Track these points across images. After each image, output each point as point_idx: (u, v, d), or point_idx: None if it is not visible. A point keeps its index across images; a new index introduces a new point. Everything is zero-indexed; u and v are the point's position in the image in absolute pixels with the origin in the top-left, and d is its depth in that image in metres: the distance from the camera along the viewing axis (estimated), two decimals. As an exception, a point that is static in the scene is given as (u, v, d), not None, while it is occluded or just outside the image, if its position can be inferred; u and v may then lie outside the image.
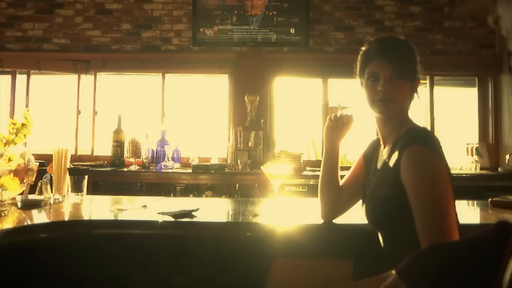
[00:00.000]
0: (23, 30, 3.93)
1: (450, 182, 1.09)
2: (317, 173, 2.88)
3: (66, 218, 1.62)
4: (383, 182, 1.21)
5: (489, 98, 3.92)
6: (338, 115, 1.44)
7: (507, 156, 3.54)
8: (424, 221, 1.04)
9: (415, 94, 1.27)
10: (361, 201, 1.35)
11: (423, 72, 1.27)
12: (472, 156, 3.69)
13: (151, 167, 3.53)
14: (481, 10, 3.10)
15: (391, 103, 1.22)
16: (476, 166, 3.62)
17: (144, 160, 3.55)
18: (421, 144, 1.11)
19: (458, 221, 1.11)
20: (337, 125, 1.43)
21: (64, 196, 1.91)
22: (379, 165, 1.27)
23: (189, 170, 3.46)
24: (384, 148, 1.29)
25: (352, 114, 1.43)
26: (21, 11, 3.94)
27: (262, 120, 3.75)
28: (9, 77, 3.89)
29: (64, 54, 3.90)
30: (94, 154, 3.87)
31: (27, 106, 3.78)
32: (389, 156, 1.20)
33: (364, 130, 1.39)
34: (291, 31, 3.79)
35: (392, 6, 3.93)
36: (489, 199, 1.86)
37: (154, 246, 1.47)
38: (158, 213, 1.54)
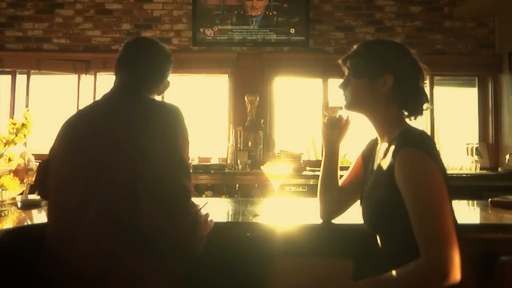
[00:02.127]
0: (23, 30, 3.93)
1: (445, 184, 1.08)
2: (317, 173, 2.89)
3: (66, 218, 1.61)
4: (378, 184, 1.20)
5: (489, 98, 3.92)
6: (336, 116, 1.43)
7: (507, 156, 3.54)
8: (420, 224, 1.04)
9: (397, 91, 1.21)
10: (359, 201, 1.35)
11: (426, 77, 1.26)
12: (472, 156, 3.69)
13: (151, 167, 3.52)
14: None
15: (350, 102, 1.27)
16: (476, 166, 3.62)
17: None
18: (414, 147, 1.11)
19: (456, 222, 1.11)
20: (333, 130, 1.43)
21: (64, 196, 1.91)
22: (375, 167, 1.27)
23: (189, 170, 3.46)
24: (381, 146, 1.28)
25: (348, 115, 1.43)
26: (21, 11, 3.94)
27: (262, 120, 3.76)
28: (9, 77, 3.89)
29: (64, 54, 3.90)
30: (94, 154, 3.87)
31: (27, 106, 3.78)
32: (384, 158, 1.20)
33: (364, 130, 1.38)
34: (291, 31, 3.80)
35: (392, 6, 3.93)
36: (489, 199, 1.86)
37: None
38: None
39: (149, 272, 1.13)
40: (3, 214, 1.57)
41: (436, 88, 3.99)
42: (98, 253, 1.11)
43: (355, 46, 1.29)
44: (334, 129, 1.43)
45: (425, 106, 1.24)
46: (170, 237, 1.12)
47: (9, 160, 1.78)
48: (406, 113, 1.24)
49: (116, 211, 1.11)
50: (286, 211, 1.75)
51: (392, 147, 1.15)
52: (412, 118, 1.25)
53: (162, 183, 1.11)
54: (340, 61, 1.30)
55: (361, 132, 1.47)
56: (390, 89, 1.20)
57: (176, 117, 1.24)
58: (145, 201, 1.09)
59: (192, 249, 1.18)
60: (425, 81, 1.26)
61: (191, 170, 1.22)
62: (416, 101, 1.23)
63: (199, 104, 4.06)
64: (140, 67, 1.35)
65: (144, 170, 1.11)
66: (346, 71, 1.28)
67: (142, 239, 1.11)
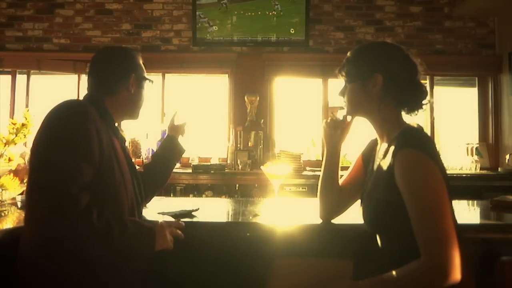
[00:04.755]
0: (23, 30, 3.93)
1: (444, 183, 1.08)
2: (317, 173, 2.88)
3: (66, 218, 1.61)
4: (378, 185, 1.20)
5: (489, 98, 3.92)
6: (339, 117, 1.44)
7: (507, 156, 3.54)
8: (420, 224, 1.04)
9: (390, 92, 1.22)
10: (359, 201, 1.35)
11: (422, 72, 1.26)
12: (472, 156, 3.69)
13: (151, 167, 3.52)
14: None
15: (349, 107, 1.32)
16: (476, 166, 3.62)
17: (144, 160, 3.55)
18: (413, 147, 1.11)
19: (456, 221, 1.11)
20: (335, 130, 1.43)
21: (64, 196, 1.90)
22: (375, 167, 1.27)
23: (189, 170, 3.46)
24: (380, 147, 1.29)
25: (351, 116, 1.43)
26: (21, 11, 3.94)
27: (262, 120, 3.75)
28: (9, 77, 3.89)
29: (64, 54, 3.90)
30: (94, 154, 3.87)
31: (27, 106, 3.78)
32: (383, 158, 1.20)
33: (364, 130, 1.39)
34: (291, 31, 3.80)
35: (392, 6, 3.93)
36: (489, 199, 1.86)
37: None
38: (158, 213, 1.54)
39: (55, 274, 1.13)
40: (3, 214, 1.57)
41: (436, 88, 3.98)
42: (18, 256, 1.19)
43: (348, 53, 1.33)
44: (337, 129, 1.43)
45: (424, 100, 1.24)
46: (66, 244, 1.08)
47: (9, 160, 1.78)
48: (404, 109, 1.25)
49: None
50: (286, 211, 1.75)
51: (392, 148, 1.15)
52: (412, 114, 1.25)
53: (35, 191, 1.09)
54: (337, 72, 1.35)
55: (361, 133, 1.47)
56: (382, 87, 1.22)
57: (51, 117, 1.23)
58: (30, 210, 1.10)
59: (108, 257, 1.14)
60: (421, 74, 1.25)
61: (77, 173, 1.10)
62: (412, 96, 1.23)
63: (199, 104, 4.06)
64: (89, 75, 1.44)
65: (29, 178, 1.13)
66: (343, 79, 1.33)
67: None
